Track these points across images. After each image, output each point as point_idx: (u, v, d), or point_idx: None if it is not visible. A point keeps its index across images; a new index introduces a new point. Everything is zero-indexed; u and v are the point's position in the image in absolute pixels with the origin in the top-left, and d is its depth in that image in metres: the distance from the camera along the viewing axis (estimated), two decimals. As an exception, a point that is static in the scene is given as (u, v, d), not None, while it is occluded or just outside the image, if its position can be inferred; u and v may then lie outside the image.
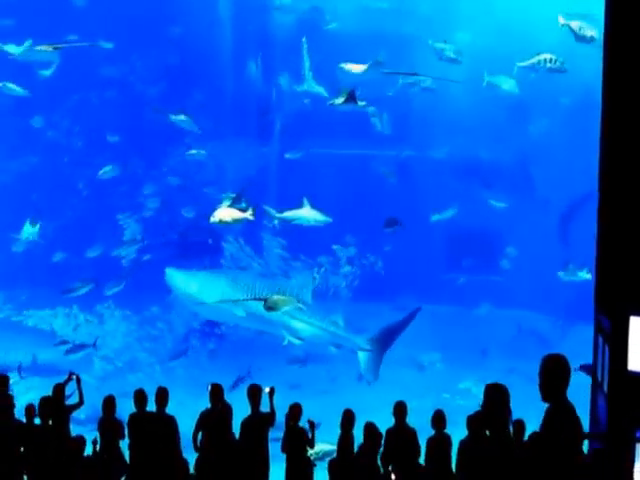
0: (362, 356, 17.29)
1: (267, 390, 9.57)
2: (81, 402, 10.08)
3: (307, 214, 18.36)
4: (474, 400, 13.12)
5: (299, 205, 18.29)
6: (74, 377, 10.07)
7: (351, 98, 16.50)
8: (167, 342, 20.07)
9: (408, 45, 21.49)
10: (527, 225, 21.73)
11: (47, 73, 21.12)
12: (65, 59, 20.31)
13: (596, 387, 9.46)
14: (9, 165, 22.65)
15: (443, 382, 18.45)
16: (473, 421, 8.69)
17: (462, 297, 21.27)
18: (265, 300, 16.03)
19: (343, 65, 18.17)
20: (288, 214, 18.31)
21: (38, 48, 17.83)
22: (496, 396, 6.84)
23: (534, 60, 18.71)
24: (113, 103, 22.42)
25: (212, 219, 15.38)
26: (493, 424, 6.85)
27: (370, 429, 9.17)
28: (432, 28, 21.35)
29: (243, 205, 15.96)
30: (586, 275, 18.75)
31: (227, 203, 16.27)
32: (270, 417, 9.53)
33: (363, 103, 17.21)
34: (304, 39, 20.74)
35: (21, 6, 21.42)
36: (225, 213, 15.35)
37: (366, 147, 22.35)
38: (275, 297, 15.99)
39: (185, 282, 18.19)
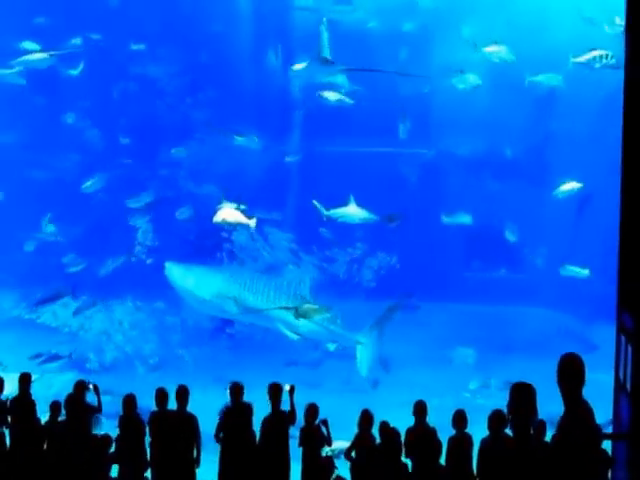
0: (358, 350, 17.21)
1: (287, 388, 9.58)
2: (99, 409, 10.12)
3: (354, 212, 18.41)
4: (495, 399, 13.09)
5: (345, 203, 18.36)
6: (91, 386, 10.10)
7: None
8: (178, 335, 20.22)
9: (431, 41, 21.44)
10: (551, 223, 21.58)
11: (75, 72, 21.40)
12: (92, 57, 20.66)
13: (619, 387, 9.39)
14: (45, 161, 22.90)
15: (463, 381, 18.35)
16: (494, 420, 8.66)
17: (484, 295, 21.14)
18: (296, 309, 16.06)
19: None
20: (336, 211, 18.34)
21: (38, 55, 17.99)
22: (522, 396, 6.76)
23: (589, 56, 18.31)
24: (135, 99, 22.53)
25: (215, 218, 15.32)
26: (518, 424, 6.78)
27: (384, 429, 9.14)
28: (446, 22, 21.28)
29: (241, 207, 16.08)
30: (583, 272, 19.36)
31: (228, 204, 16.34)
32: (290, 415, 9.54)
33: None
34: (322, 25, 20.66)
35: (54, 4, 21.64)
36: (229, 214, 15.27)
37: (390, 145, 22.25)
38: (306, 306, 15.99)
39: (182, 276, 18.28)
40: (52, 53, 17.75)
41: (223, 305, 17.72)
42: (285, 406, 9.60)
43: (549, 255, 21.45)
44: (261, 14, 22.88)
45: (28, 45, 20.62)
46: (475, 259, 22.34)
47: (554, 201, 20.85)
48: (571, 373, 6.28)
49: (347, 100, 18.96)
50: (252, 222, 15.46)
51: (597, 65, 18.30)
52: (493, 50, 19.37)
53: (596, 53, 18.23)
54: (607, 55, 18.05)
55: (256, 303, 17.31)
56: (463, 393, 17.18)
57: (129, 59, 22.04)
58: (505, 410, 7.12)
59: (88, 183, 20.58)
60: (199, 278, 18.05)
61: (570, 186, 19.76)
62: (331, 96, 18.63)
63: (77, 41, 21.23)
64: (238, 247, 20.40)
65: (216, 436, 9.68)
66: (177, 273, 18.33)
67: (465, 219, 20.89)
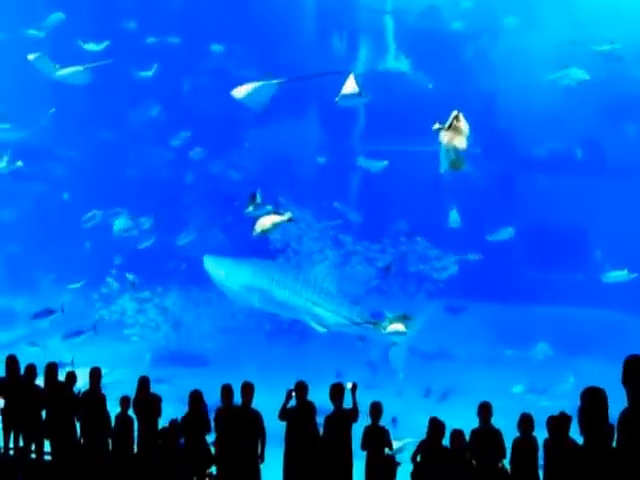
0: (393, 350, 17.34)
1: (349, 386, 9.63)
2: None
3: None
4: (559, 401, 12.92)
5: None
6: None
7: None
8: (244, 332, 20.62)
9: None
10: (618, 223, 21.22)
11: (148, 74, 21.92)
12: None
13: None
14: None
15: (527, 382, 18.16)
16: (555, 423, 8.60)
17: (548, 296, 20.89)
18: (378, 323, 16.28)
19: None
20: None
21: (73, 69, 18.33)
22: (593, 401, 6.67)
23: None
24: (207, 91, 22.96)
25: (255, 232, 15.39)
26: (588, 429, 6.69)
27: (455, 434, 9.12)
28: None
29: (263, 203, 16.15)
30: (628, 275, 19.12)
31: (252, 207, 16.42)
32: (353, 413, 9.59)
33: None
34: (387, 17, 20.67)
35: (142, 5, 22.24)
36: (264, 222, 15.21)
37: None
38: (393, 321, 16.05)
39: (215, 268, 18.92)
40: (87, 66, 18.17)
41: (250, 296, 18.31)
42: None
43: (617, 257, 21.09)
44: (330, 12, 22.95)
45: (90, 47, 21.23)
46: (547, 260, 22.05)
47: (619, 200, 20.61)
48: (637, 375, 6.20)
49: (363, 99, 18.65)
50: (287, 216, 15.46)
51: None
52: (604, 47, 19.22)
53: None
54: None
55: (282, 297, 17.78)
56: (527, 395, 16.98)
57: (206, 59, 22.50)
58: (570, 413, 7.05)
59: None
60: (229, 269, 18.70)
61: None
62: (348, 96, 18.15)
63: (151, 40, 21.88)
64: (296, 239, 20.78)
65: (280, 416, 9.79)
66: (211, 264, 19.00)
67: (507, 233, 20.81)
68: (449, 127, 10.69)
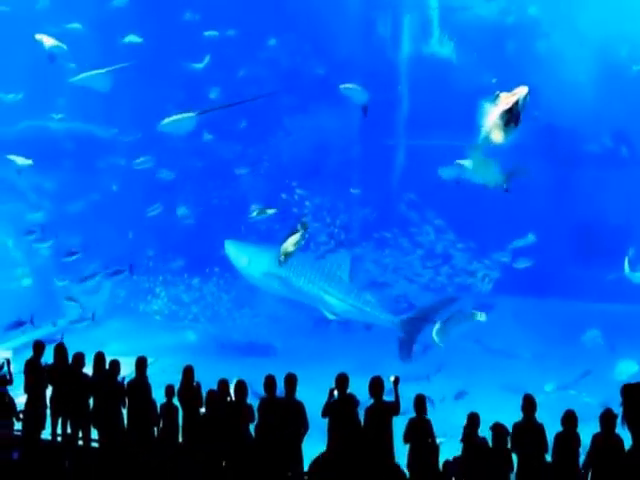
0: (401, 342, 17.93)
1: (392, 379, 9.69)
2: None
3: None
4: (600, 397, 12.85)
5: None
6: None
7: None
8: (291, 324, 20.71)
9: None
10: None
11: (200, 66, 22.20)
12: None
13: None
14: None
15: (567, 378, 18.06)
16: (606, 419, 8.57)
17: (591, 293, 20.73)
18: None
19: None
20: None
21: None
22: (634, 396, 6.67)
23: None
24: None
25: (281, 260, 15.67)
26: (632, 424, 6.70)
27: (494, 427, 9.13)
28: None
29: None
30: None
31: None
32: (395, 406, 9.65)
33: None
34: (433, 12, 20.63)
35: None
36: (288, 246, 15.59)
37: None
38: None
39: (237, 254, 19.32)
40: (108, 69, 18.54)
41: (270, 283, 18.94)
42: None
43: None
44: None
45: (132, 38, 21.46)
46: (594, 257, 21.86)
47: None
48: None
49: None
50: (303, 230, 15.87)
51: None
52: None
53: None
54: None
55: (298, 283, 18.46)
56: (569, 390, 16.89)
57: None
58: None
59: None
60: (251, 256, 19.18)
61: None
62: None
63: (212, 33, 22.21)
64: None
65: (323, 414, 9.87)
66: (233, 251, 19.38)
67: (529, 239, 20.85)
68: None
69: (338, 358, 16.37)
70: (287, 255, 15.50)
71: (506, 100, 11.70)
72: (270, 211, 18.43)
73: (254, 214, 18.56)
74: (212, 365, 12.33)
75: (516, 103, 11.49)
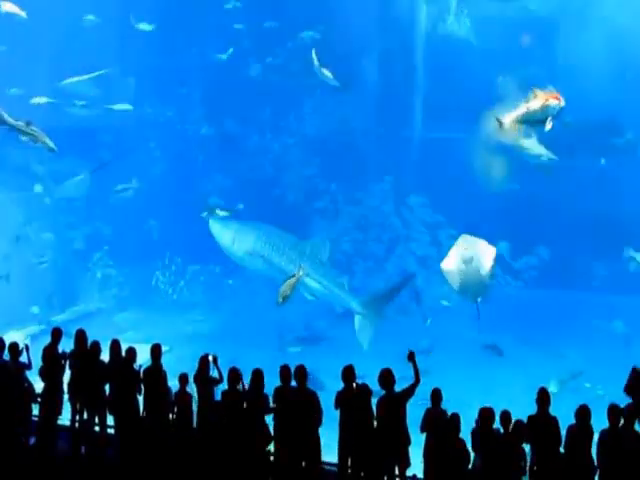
0: (356, 320, 18.18)
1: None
2: (220, 379, 10.56)
3: None
4: (614, 391, 12.81)
5: None
6: (210, 358, 10.55)
7: None
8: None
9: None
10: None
11: (224, 57, 22.60)
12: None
13: None
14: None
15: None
16: (614, 412, 8.57)
17: (615, 286, 20.68)
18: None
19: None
20: None
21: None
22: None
23: None
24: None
25: (279, 303, 15.96)
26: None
27: (507, 419, 9.14)
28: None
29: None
30: None
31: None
32: (416, 379, 9.71)
33: None
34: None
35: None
36: (286, 290, 15.96)
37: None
38: None
39: (221, 233, 19.34)
40: (91, 75, 18.84)
41: (253, 261, 19.16)
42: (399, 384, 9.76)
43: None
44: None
45: (144, 26, 21.51)
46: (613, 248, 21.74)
47: None
48: None
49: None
50: (301, 273, 16.48)
51: None
52: None
53: None
54: None
55: (280, 263, 18.68)
56: (584, 383, 16.85)
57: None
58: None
59: None
60: (235, 235, 19.25)
61: None
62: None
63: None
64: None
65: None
66: (217, 230, 19.40)
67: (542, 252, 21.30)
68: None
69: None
70: (285, 298, 15.90)
71: (539, 100, 11.99)
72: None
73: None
74: (229, 354, 12.30)
75: (547, 107, 11.79)
